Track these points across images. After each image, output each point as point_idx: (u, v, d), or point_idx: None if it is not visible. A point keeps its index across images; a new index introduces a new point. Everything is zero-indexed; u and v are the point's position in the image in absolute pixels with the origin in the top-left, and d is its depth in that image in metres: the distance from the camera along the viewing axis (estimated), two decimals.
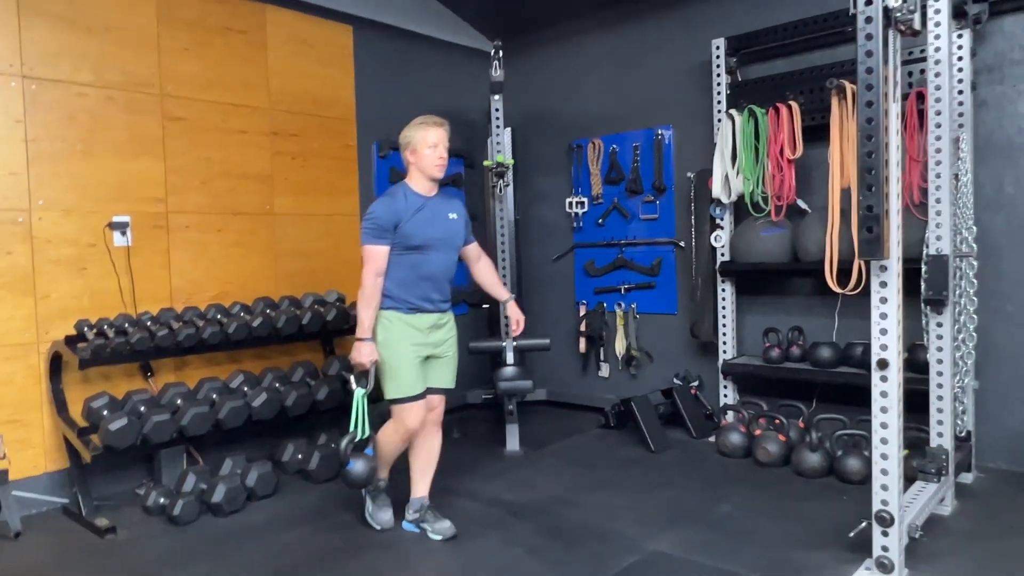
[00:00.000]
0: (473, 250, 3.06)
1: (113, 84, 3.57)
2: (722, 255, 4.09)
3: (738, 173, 3.89)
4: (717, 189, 3.96)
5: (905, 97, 3.39)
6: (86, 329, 3.28)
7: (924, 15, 2.72)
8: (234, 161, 4.01)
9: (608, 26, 4.83)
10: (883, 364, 2.34)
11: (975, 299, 3.20)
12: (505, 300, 3.12)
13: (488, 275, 3.12)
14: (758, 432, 3.73)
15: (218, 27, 3.95)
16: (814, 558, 2.56)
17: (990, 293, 3.45)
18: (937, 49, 2.91)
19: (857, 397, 3.58)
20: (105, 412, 3.16)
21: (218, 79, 3.94)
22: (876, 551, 2.38)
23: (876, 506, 2.37)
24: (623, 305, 4.79)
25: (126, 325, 3.35)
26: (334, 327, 3.97)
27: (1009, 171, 3.43)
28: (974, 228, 3.20)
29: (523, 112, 5.26)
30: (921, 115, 3.38)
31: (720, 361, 4.14)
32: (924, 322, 3.05)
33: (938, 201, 2.96)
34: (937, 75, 2.93)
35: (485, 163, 4.51)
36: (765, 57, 4.06)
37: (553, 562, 2.63)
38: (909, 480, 2.71)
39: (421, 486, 2.95)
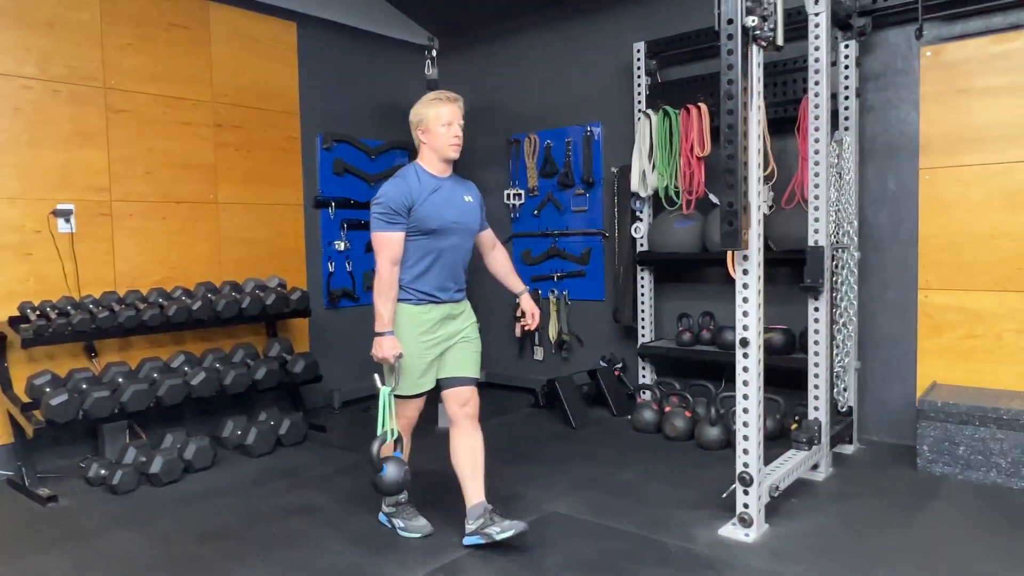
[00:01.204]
0: (488, 237, 2.88)
1: (57, 77, 3.73)
2: (641, 245, 4.38)
3: (654, 169, 4.18)
4: (635, 183, 4.24)
5: (799, 101, 3.69)
6: (29, 311, 3.46)
7: (801, 29, 3.00)
8: (178, 152, 4.19)
9: (545, 26, 5.08)
10: (744, 343, 2.63)
11: (855, 287, 3.54)
12: (520, 292, 2.90)
13: (503, 265, 2.92)
14: (668, 409, 4.04)
15: (162, 23, 4.12)
16: (692, 516, 2.86)
17: (874, 281, 3.80)
18: (817, 60, 3.21)
19: (709, 371, 3.93)
20: (47, 389, 3.36)
21: (162, 73, 4.11)
22: (739, 508, 2.69)
23: (739, 468, 2.67)
24: (556, 292, 5.07)
25: (68, 307, 3.53)
26: (274, 311, 4.18)
27: (892, 170, 3.75)
28: (855, 222, 3.53)
29: (466, 106, 5.46)
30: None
31: (639, 344, 4.44)
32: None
33: (816, 198, 3.27)
34: (816, 83, 3.22)
35: None
36: (681, 61, 4.34)
37: (458, 522, 2.89)
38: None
39: (474, 492, 2.65)
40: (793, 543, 2.63)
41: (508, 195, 5.25)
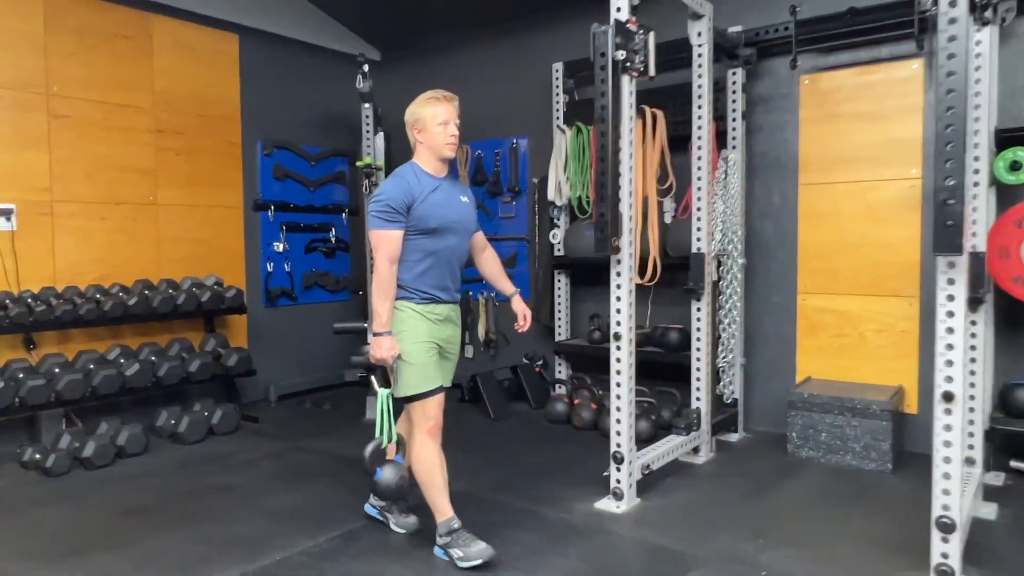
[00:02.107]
0: (480, 239, 2.84)
1: (1, 84, 3.93)
2: (558, 250, 4.72)
3: (568, 180, 4.52)
4: (552, 193, 4.58)
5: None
6: None
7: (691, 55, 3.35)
8: (119, 155, 4.41)
9: (479, 44, 5.40)
10: (617, 337, 2.98)
11: (739, 290, 3.92)
12: (511, 294, 2.87)
13: (494, 266, 2.89)
14: (577, 402, 4.37)
15: (105, 34, 4.34)
16: (576, 492, 3.19)
17: (761, 285, 4.19)
18: (700, 85, 3.58)
19: (659, 372, 4.28)
20: None
21: (104, 81, 4.33)
22: (612, 484, 3.02)
23: (613, 448, 3.01)
24: (485, 294, 5.38)
25: (7, 301, 3.74)
26: (210, 307, 4.42)
27: (777, 185, 4.14)
28: (740, 232, 3.92)
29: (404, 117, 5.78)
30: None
31: (555, 342, 4.78)
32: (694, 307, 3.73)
33: (699, 209, 3.64)
34: (700, 107, 3.60)
35: (357, 164, 5.02)
36: (588, 81, 4.70)
37: (366, 495, 3.17)
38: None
39: (446, 505, 2.59)
40: (658, 514, 2.98)
41: None
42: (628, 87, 2.92)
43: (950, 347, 2.23)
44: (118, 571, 2.53)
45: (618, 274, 2.96)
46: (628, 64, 2.86)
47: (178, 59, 4.69)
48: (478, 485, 3.33)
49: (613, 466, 3.02)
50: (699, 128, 3.60)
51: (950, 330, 2.23)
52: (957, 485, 2.25)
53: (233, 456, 3.86)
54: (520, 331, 2.87)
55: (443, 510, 2.56)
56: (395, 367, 2.52)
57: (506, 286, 2.90)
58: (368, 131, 4.91)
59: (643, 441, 3.63)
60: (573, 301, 4.85)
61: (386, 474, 2.54)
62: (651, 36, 2.94)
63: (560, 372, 4.82)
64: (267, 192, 5.19)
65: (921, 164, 3.69)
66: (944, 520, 2.26)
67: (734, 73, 3.98)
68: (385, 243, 2.49)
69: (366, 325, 4.46)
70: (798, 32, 3.79)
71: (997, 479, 3.31)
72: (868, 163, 3.84)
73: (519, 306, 2.86)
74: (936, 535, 2.29)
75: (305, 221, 5.43)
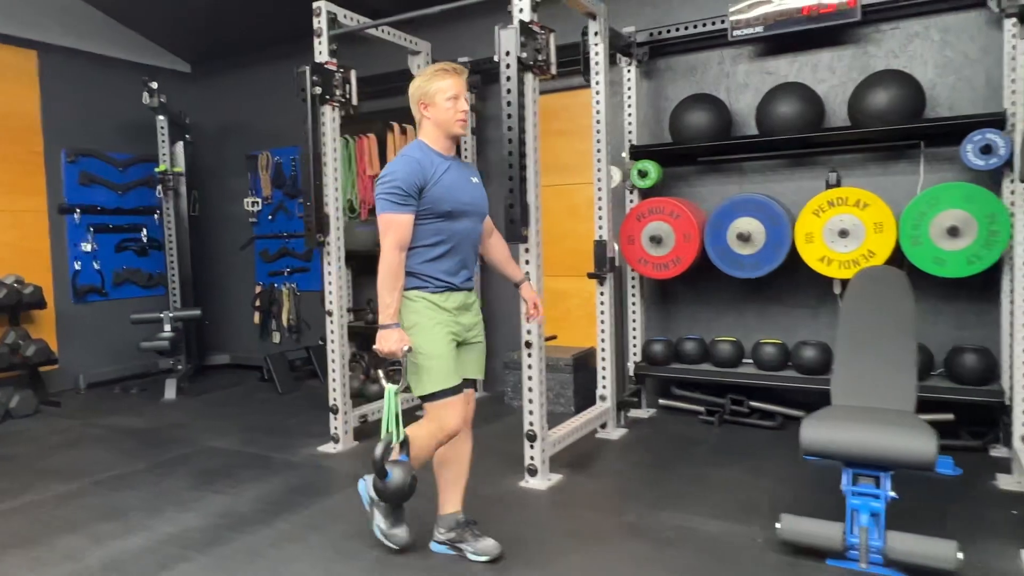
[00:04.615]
0: (488, 223, 2.63)
1: None
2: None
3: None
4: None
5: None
6: None
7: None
8: None
9: (276, 59, 6.00)
10: (329, 313, 3.74)
11: None
12: (520, 281, 2.74)
13: (502, 251, 2.72)
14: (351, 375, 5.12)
15: None
16: (309, 441, 3.92)
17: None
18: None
19: None
20: None
21: None
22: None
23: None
24: (288, 284, 6.04)
25: None
26: (8, 303, 4.85)
27: None
28: None
29: (217, 122, 6.33)
30: None
31: None
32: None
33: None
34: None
35: (156, 169, 5.54)
36: (366, 97, 5.43)
37: (137, 457, 3.78)
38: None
39: (453, 500, 2.54)
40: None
41: (247, 203, 6.15)
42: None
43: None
44: None
45: (328, 263, 3.71)
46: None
47: None
48: (229, 442, 4.03)
49: (331, 416, 3.79)
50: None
51: None
52: (538, 407, 3.15)
53: (24, 434, 4.35)
54: (529, 321, 2.77)
55: (453, 502, 2.50)
56: (414, 364, 2.31)
57: (515, 272, 2.74)
58: (164, 140, 5.45)
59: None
60: (355, 288, 5.59)
61: (396, 475, 2.30)
62: (352, 74, 3.70)
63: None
64: (73, 197, 5.60)
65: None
66: (529, 432, 3.17)
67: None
68: (395, 228, 2.28)
69: (161, 315, 5.05)
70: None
71: (646, 413, 4.32)
72: (569, 170, 4.78)
73: (528, 293, 2.72)
74: (526, 443, 3.19)
75: (115, 223, 5.87)
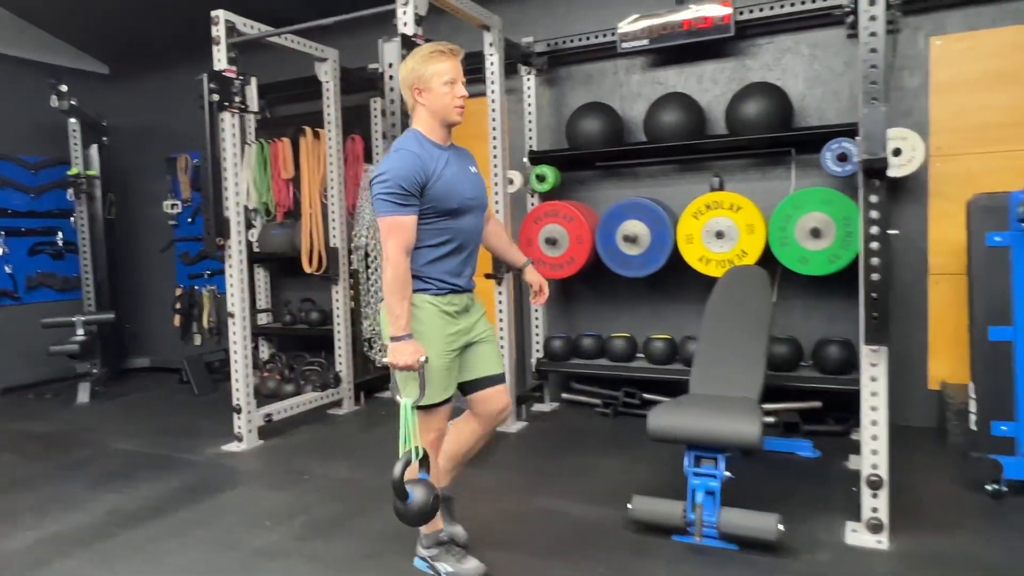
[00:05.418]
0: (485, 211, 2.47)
1: None
2: (256, 248, 5.49)
3: (256, 187, 5.31)
4: (243, 198, 5.34)
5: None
6: None
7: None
8: None
9: (194, 62, 5.95)
10: (231, 315, 3.82)
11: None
12: (523, 265, 2.60)
13: (502, 239, 2.61)
14: (265, 375, 5.19)
15: None
16: (213, 440, 3.99)
17: None
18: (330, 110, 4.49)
19: (316, 344, 5.20)
20: None
21: None
22: (235, 429, 3.86)
23: (234, 401, 3.84)
24: (209, 287, 6.05)
25: None
26: None
27: None
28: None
29: (135, 124, 6.30)
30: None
31: (257, 325, 5.57)
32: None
33: (333, 212, 4.56)
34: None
35: (68, 172, 5.51)
36: (279, 102, 5.52)
37: (38, 461, 3.79)
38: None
39: (441, 479, 2.40)
40: (272, 448, 3.87)
41: (167, 205, 6.14)
42: (231, 120, 3.69)
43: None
44: None
45: (230, 266, 3.80)
46: (226, 103, 3.64)
47: None
48: (135, 443, 4.06)
49: (235, 415, 3.87)
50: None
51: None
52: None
53: None
54: (536, 304, 2.52)
55: (434, 520, 2.30)
56: (421, 372, 2.13)
57: (517, 257, 2.62)
58: (76, 143, 5.42)
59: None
60: (274, 290, 5.65)
61: (418, 496, 2.13)
62: (253, 81, 3.79)
63: (263, 352, 5.61)
64: None
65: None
66: None
67: (374, 103, 4.94)
68: (398, 230, 2.11)
69: (74, 319, 5.03)
70: None
71: (549, 407, 4.51)
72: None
73: (533, 277, 2.59)
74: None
75: (27, 226, 5.80)
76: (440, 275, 2.21)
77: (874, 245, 2.34)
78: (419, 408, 2.18)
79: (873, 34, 2.29)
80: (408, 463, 2.12)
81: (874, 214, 2.33)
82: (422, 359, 2.10)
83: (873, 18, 2.29)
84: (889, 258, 2.37)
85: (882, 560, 2.40)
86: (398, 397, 2.17)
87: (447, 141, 2.27)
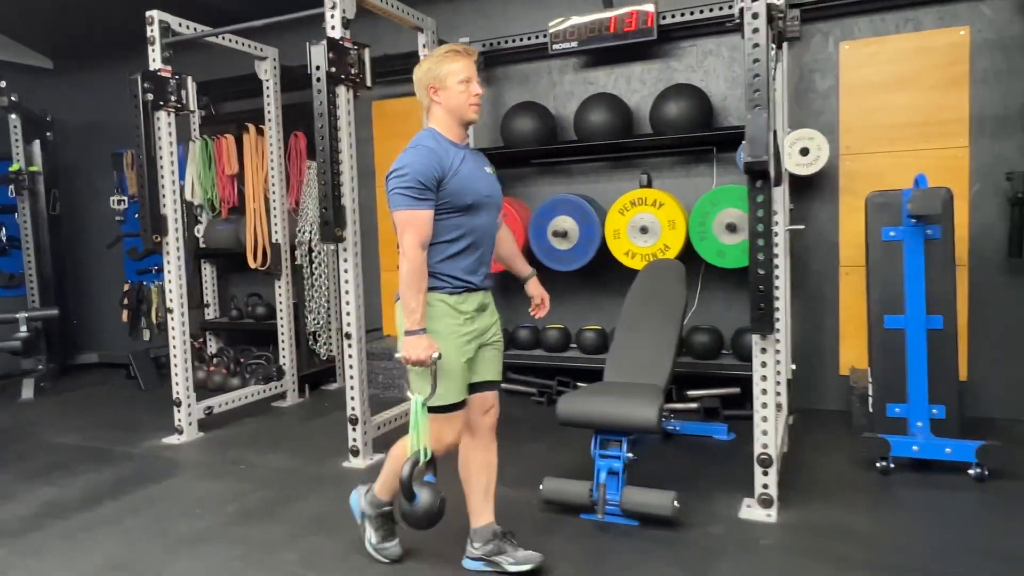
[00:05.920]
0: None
1: None
2: (202, 243, 5.54)
3: (200, 183, 5.35)
4: (188, 194, 5.39)
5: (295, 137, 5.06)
6: None
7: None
8: None
9: (140, 56, 5.96)
10: (170, 310, 3.89)
11: (326, 270, 4.99)
12: (527, 276, 2.62)
13: (511, 246, 2.61)
14: (211, 369, 5.26)
15: None
16: (154, 433, 4.06)
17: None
18: (269, 110, 4.56)
19: (263, 338, 5.27)
20: None
21: None
22: (176, 422, 3.93)
23: (173, 395, 3.91)
24: (157, 282, 6.07)
25: None
26: None
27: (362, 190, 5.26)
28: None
29: (81, 120, 6.28)
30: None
31: (203, 320, 5.63)
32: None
33: (275, 209, 4.64)
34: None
35: (10, 168, 5.49)
36: (224, 99, 5.56)
37: None
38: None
39: (486, 512, 2.39)
40: (212, 441, 3.96)
41: (114, 201, 6.14)
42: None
43: (348, 303, 3.39)
44: None
45: (168, 262, 3.87)
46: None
47: None
48: (80, 436, 4.13)
49: (175, 408, 3.95)
50: (274, 141, 4.60)
51: (347, 292, 3.39)
52: (359, 394, 3.42)
53: None
54: (535, 316, 2.63)
55: (487, 514, 2.37)
56: (433, 368, 2.12)
57: (522, 267, 2.63)
58: (17, 139, 5.40)
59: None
60: (220, 284, 5.70)
61: (424, 497, 2.14)
62: (189, 80, 3.85)
63: (211, 346, 5.67)
64: None
65: None
66: (352, 416, 3.44)
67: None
68: (415, 224, 2.13)
69: (16, 316, 5.04)
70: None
71: None
72: None
73: (536, 289, 2.61)
74: (349, 427, 3.46)
75: None
76: (455, 272, 2.21)
77: (760, 241, 2.52)
78: (433, 411, 2.17)
79: (756, 45, 2.45)
80: (416, 463, 2.12)
81: (759, 212, 2.51)
82: (435, 355, 2.11)
83: (756, 30, 2.46)
84: (771, 253, 2.56)
85: (766, 530, 2.60)
86: (409, 394, 2.18)
87: (463, 140, 2.30)
